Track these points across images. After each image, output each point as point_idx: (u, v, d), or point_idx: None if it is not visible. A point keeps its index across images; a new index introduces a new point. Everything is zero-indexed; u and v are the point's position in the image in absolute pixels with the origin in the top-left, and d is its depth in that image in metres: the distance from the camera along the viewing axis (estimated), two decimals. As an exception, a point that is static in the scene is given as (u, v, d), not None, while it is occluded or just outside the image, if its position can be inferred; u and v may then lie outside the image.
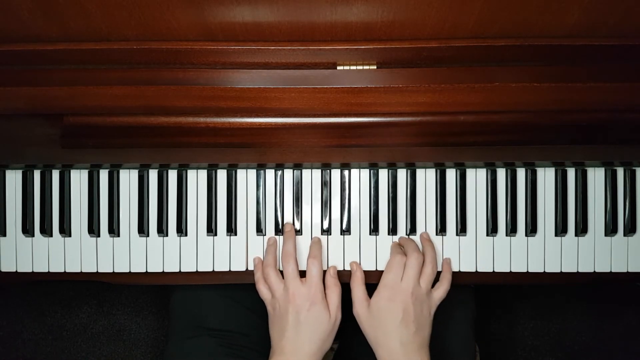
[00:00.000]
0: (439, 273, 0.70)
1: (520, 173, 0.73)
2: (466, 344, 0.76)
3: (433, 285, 0.68)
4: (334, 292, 0.66)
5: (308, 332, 0.63)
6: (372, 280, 0.69)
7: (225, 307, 0.76)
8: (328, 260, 0.72)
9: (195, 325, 0.76)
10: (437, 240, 0.73)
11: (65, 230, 0.72)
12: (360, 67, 0.62)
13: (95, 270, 0.73)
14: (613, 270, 0.72)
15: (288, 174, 0.73)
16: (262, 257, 0.72)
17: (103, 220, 0.73)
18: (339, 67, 0.62)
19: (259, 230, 0.72)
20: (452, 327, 0.76)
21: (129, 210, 0.73)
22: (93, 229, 0.73)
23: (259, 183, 0.73)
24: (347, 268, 0.72)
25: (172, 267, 0.73)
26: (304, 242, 0.72)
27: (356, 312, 0.66)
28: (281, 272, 0.69)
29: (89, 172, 0.73)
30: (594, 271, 0.72)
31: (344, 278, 0.71)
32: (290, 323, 0.63)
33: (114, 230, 0.72)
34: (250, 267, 0.72)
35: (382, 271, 0.71)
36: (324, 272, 0.69)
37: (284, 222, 0.73)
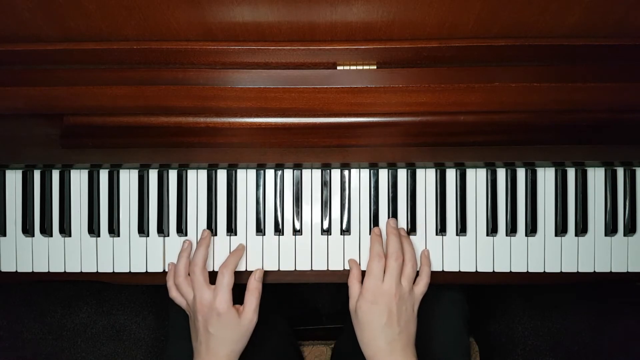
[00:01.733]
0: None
1: (520, 173, 0.73)
2: (459, 342, 0.77)
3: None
4: (254, 295, 0.67)
5: (218, 337, 0.64)
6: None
7: None
8: (328, 260, 0.72)
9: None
10: (437, 240, 0.73)
11: (65, 230, 0.72)
12: (360, 67, 0.62)
13: (95, 270, 0.73)
14: (613, 270, 0.72)
15: (288, 174, 0.73)
16: (177, 261, 0.70)
17: (103, 220, 0.73)
18: (339, 67, 0.62)
19: (259, 230, 0.72)
20: (444, 326, 0.76)
21: (129, 210, 0.73)
22: (93, 229, 0.73)
23: (259, 183, 0.73)
24: (347, 268, 0.72)
25: (172, 267, 0.73)
26: (303, 242, 0.72)
27: (351, 308, 0.67)
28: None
29: (89, 172, 0.73)
30: (594, 271, 0.72)
31: (345, 278, 0.72)
32: (200, 330, 0.65)
33: (114, 230, 0.72)
34: (250, 268, 0.72)
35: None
36: (252, 272, 0.70)
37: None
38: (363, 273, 0.69)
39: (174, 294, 0.69)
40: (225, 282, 0.65)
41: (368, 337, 0.64)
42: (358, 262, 0.72)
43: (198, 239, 0.72)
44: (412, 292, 0.67)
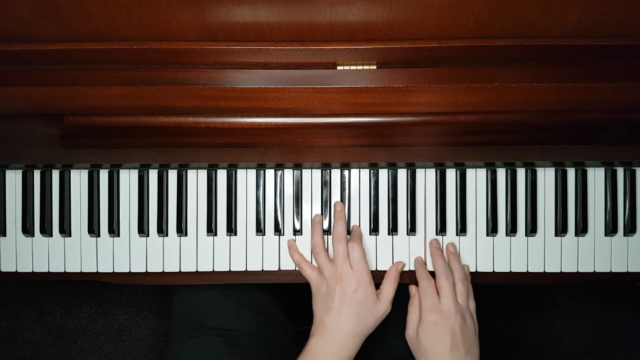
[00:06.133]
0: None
1: (520, 173, 0.73)
2: None
3: None
4: (391, 285, 0.67)
5: (352, 312, 0.63)
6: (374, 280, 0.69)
7: (228, 306, 0.76)
8: (328, 260, 0.72)
9: (198, 325, 0.76)
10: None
11: (65, 230, 0.72)
12: (360, 67, 0.62)
13: (95, 270, 0.73)
14: (613, 270, 0.72)
15: (288, 174, 0.73)
16: (313, 234, 0.70)
17: (103, 220, 0.73)
18: (339, 67, 0.62)
19: (259, 230, 0.72)
20: None
21: (129, 210, 0.73)
22: (93, 229, 0.73)
23: (259, 183, 0.73)
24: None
25: (172, 267, 0.73)
26: (304, 242, 0.72)
27: (408, 335, 0.66)
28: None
29: (89, 172, 0.73)
30: (594, 271, 0.72)
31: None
32: (336, 302, 0.64)
33: (114, 230, 0.72)
34: (250, 268, 0.72)
35: (382, 271, 0.71)
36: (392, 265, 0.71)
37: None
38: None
39: (303, 267, 0.69)
40: (357, 256, 0.66)
41: None
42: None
43: (197, 239, 0.73)
44: (469, 309, 0.65)
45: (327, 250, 0.69)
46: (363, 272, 0.65)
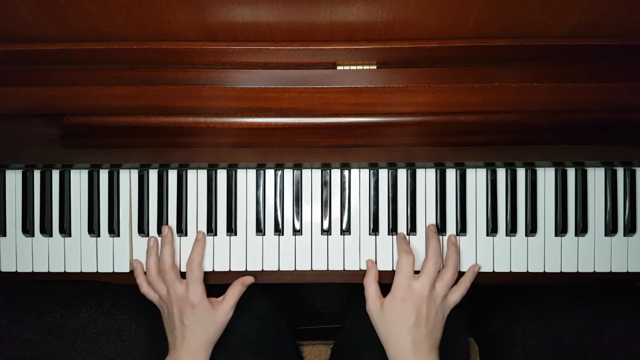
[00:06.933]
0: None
1: (520, 173, 0.73)
2: (460, 342, 0.77)
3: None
4: (234, 294, 0.69)
5: (193, 328, 0.66)
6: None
7: None
8: (328, 260, 0.72)
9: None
10: (437, 240, 0.72)
11: (65, 230, 0.72)
12: (360, 67, 0.62)
13: (95, 270, 0.73)
14: (613, 270, 0.72)
15: (288, 174, 0.73)
16: (146, 260, 0.72)
17: (103, 221, 0.73)
18: (339, 67, 0.62)
19: (259, 230, 0.72)
20: (445, 326, 0.76)
21: (129, 211, 0.73)
22: (93, 229, 0.73)
23: (259, 183, 0.73)
24: (347, 268, 0.72)
25: (172, 267, 0.72)
26: (303, 242, 0.72)
27: (369, 309, 0.66)
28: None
29: (89, 172, 0.73)
30: (594, 271, 0.72)
31: (345, 278, 0.71)
32: (176, 322, 0.67)
33: (114, 230, 0.72)
34: (250, 268, 0.72)
35: (382, 271, 0.71)
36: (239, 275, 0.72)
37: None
38: (365, 273, 0.69)
39: (145, 289, 0.71)
40: (195, 276, 0.68)
41: (393, 337, 0.64)
42: (359, 261, 0.71)
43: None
44: (445, 299, 0.66)
45: (159, 273, 0.70)
46: (195, 292, 0.67)
